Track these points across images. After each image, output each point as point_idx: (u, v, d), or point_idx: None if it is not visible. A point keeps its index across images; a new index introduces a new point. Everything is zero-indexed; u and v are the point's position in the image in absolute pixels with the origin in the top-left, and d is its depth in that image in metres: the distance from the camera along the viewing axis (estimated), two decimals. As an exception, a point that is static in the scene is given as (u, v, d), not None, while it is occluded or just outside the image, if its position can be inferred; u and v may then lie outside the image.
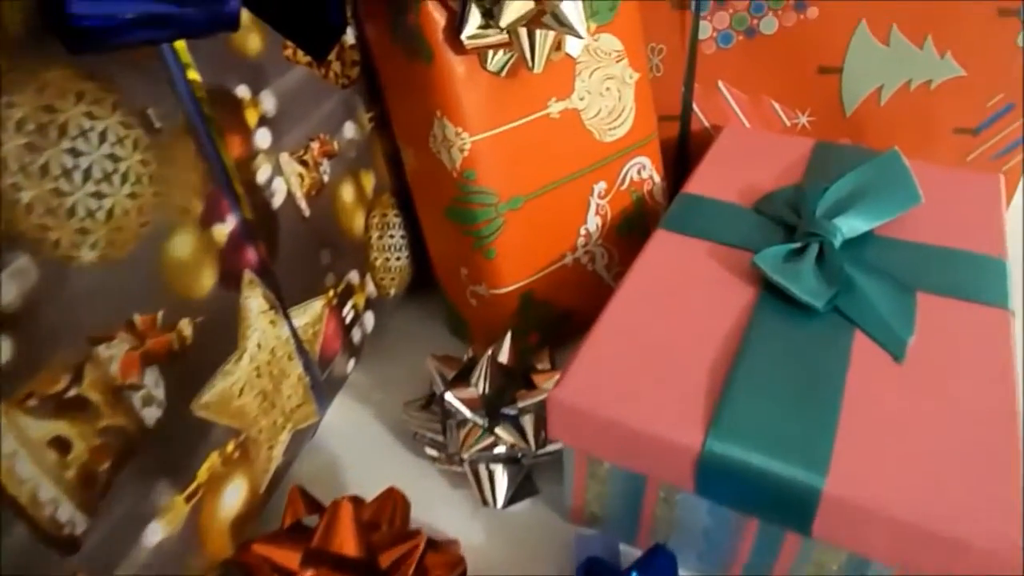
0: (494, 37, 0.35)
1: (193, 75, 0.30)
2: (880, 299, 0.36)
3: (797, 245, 0.38)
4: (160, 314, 0.29)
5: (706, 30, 0.51)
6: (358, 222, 0.43)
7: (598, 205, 0.45)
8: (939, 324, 0.35)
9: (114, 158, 0.27)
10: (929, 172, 0.47)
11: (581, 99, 0.42)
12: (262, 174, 0.34)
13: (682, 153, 0.56)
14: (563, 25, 0.36)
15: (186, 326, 0.30)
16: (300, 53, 0.37)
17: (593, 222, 0.45)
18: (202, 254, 0.31)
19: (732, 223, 0.42)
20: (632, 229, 0.48)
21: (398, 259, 0.47)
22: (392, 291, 0.47)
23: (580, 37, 0.37)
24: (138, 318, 0.28)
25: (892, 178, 0.42)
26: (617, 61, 0.44)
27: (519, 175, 0.41)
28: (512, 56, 0.38)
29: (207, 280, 0.31)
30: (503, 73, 0.38)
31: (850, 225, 0.40)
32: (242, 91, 0.33)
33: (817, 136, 0.54)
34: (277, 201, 0.36)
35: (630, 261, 0.49)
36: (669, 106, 0.54)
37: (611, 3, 0.42)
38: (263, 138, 0.34)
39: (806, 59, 0.51)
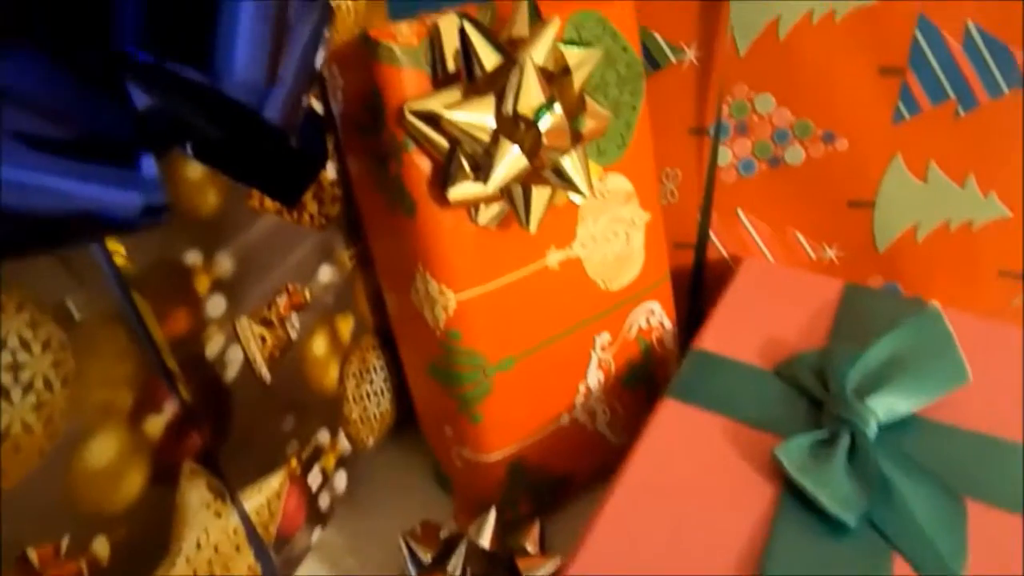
0: (483, 192, 0.31)
1: (121, 260, 0.26)
2: (923, 510, 0.31)
3: (825, 435, 0.33)
4: (64, 541, 0.24)
5: (726, 156, 0.47)
6: (331, 375, 0.38)
7: (601, 358, 0.41)
8: (995, 544, 0.30)
9: (15, 367, 0.23)
10: (973, 328, 0.41)
11: (584, 247, 0.38)
12: (213, 347, 0.30)
13: (697, 283, 0.51)
14: (564, 181, 0.32)
15: (102, 545, 0.26)
16: (269, 200, 0.33)
17: (594, 377, 0.41)
18: (129, 455, 0.27)
19: (751, 392, 0.37)
20: (639, 381, 0.43)
21: (378, 405, 0.43)
22: (370, 441, 0.43)
23: (582, 195, 0.33)
24: (33, 553, 0.23)
25: (934, 347, 0.37)
26: (626, 202, 0.39)
27: (511, 334, 0.37)
28: (504, 208, 0.34)
29: (133, 483, 0.27)
30: (494, 226, 0.34)
31: (886, 406, 0.35)
32: (192, 257, 0.29)
33: (847, 272, 0.49)
34: (231, 374, 0.31)
35: (636, 418, 0.44)
36: (683, 233, 0.50)
37: (620, 141, 0.38)
38: (216, 306, 0.30)
39: (835, 192, 0.47)
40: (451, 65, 0.31)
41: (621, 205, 0.39)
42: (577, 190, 0.32)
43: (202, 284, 0.30)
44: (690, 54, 0.44)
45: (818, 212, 0.47)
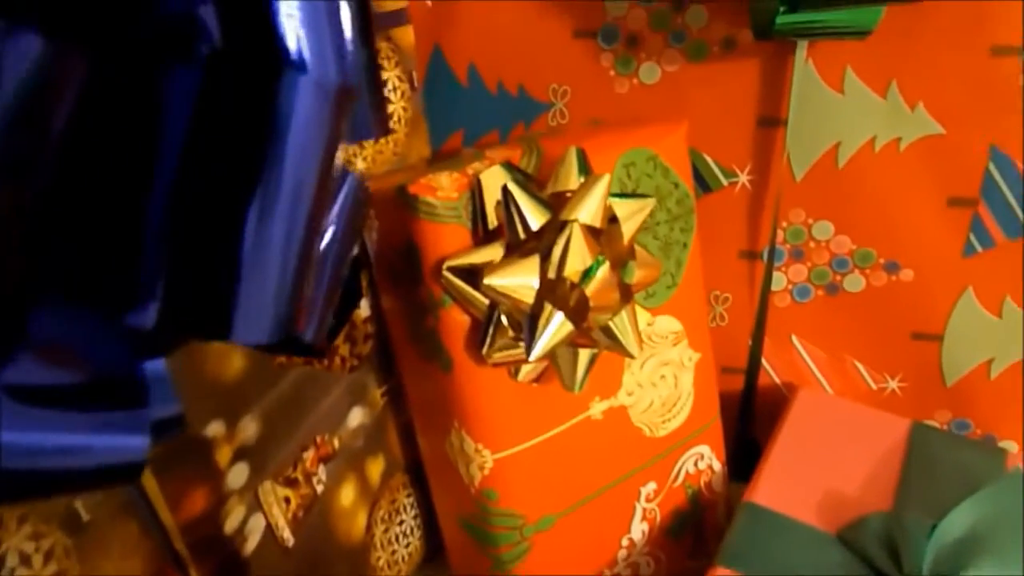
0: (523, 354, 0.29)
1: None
2: None
3: (901, 631, 0.30)
4: None
5: (780, 282, 0.44)
6: (359, 525, 0.36)
7: (646, 509, 0.38)
8: None
9: (14, 585, 0.21)
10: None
11: (630, 395, 0.36)
12: (233, 521, 0.28)
13: (747, 410, 0.48)
14: (613, 341, 0.30)
15: None
16: (299, 351, 0.32)
17: (638, 530, 0.38)
18: (136, 655, 0.25)
19: (810, 561, 0.34)
20: (685, 529, 0.40)
21: (407, 546, 0.40)
22: (397, 584, 0.40)
23: (632, 356, 0.30)
24: None
25: (1018, 517, 0.34)
26: (675, 344, 0.37)
27: (551, 492, 0.34)
28: (547, 364, 0.32)
29: None
30: (535, 383, 0.32)
31: (969, 593, 0.31)
32: (215, 428, 0.27)
33: (910, 405, 0.45)
34: (251, 545, 0.29)
35: (680, 568, 0.41)
36: (733, 358, 0.47)
37: (670, 281, 0.36)
38: (238, 476, 0.28)
39: (898, 322, 0.44)
40: (492, 220, 0.29)
41: (669, 347, 0.37)
42: (627, 352, 0.30)
43: (224, 455, 0.28)
44: (743, 178, 0.42)
45: (879, 342, 0.44)
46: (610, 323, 0.30)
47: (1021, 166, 0.39)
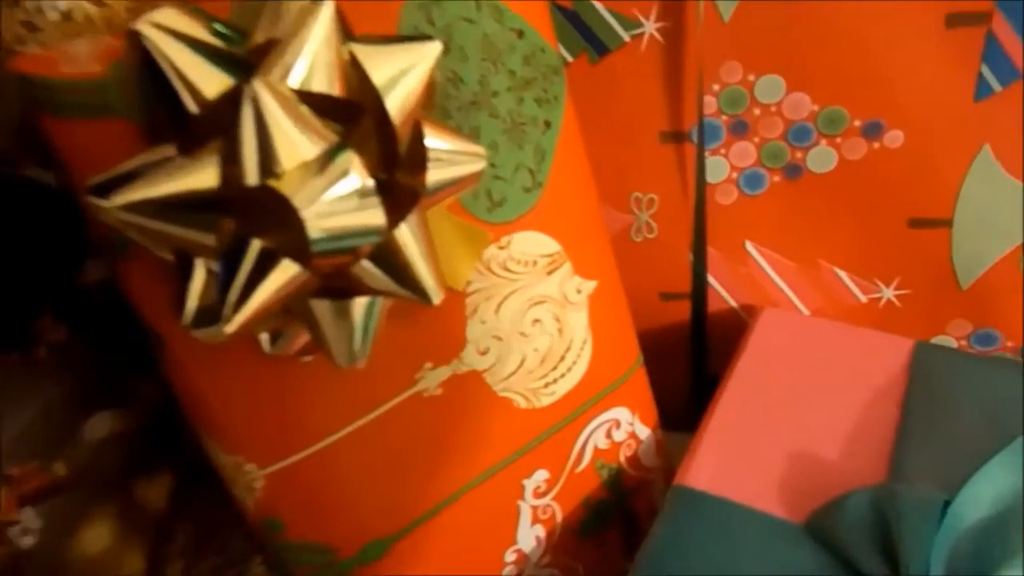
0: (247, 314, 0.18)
1: None
2: None
3: None
4: None
5: (721, 169, 0.32)
6: (132, 569, 0.26)
7: (536, 508, 0.27)
8: None
9: None
10: None
11: (483, 353, 0.24)
12: None
13: (697, 345, 0.37)
14: (391, 280, 0.19)
15: None
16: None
17: (529, 536, 0.27)
18: None
19: (764, 564, 0.23)
20: (605, 523, 0.29)
21: (236, 579, 0.30)
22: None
23: (429, 302, 0.19)
24: None
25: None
26: (549, 272, 0.25)
27: (371, 508, 0.23)
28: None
29: None
30: (304, 356, 0.21)
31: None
32: None
33: (914, 320, 0.33)
34: None
35: (615, 572, 0.30)
36: (673, 280, 0.35)
37: (528, 180, 0.24)
38: None
39: (889, 207, 0.31)
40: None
41: (541, 277, 0.25)
42: (421, 295, 0.19)
43: None
44: (650, 27, 0.30)
45: (864, 239, 0.32)
46: (387, 252, 0.18)
47: (1054, -51, 0.26)
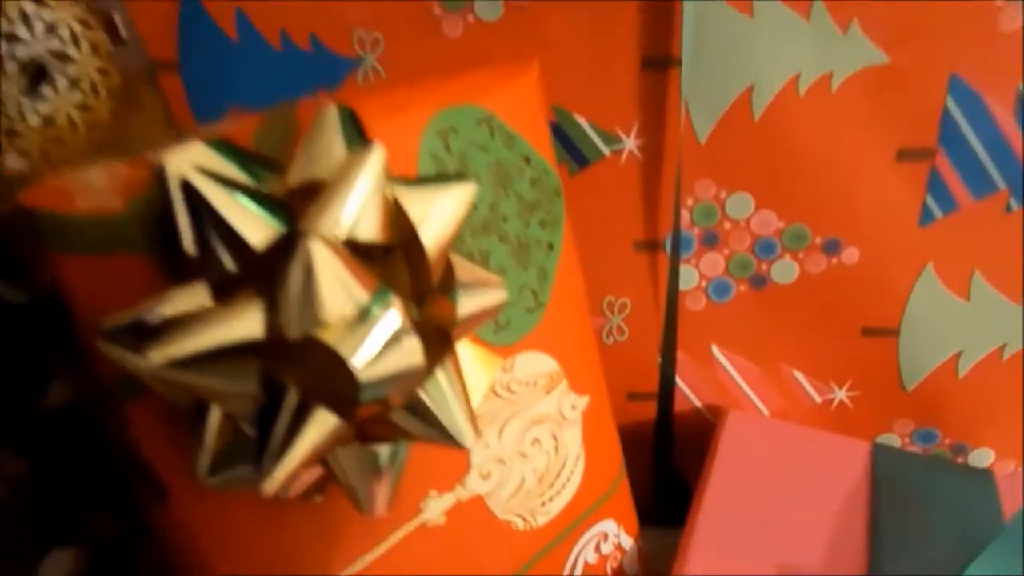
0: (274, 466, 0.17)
1: None
2: None
3: None
4: None
5: (691, 278, 0.33)
6: None
7: (530, 631, 0.26)
8: None
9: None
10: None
11: (486, 477, 0.24)
12: None
13: (662, 444, 0.37)
14: (426, 427, 0.18)
15: None
16: None
17: (524, 661, 0.26)
18: None
19: None
20: (592, 639, 0.29)
21: None
22: None
23: (462, 448, 0.18)
24: None
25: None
26: (549, 392, 0.25)
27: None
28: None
29: None
30: (317, 497, 0.20)
31: None
32: None
33: (865, 418, 0.36)
34: None
35: None
36: (640, 381, 0.36)
37: (532, 301, 0.24)
38: None
39: (844, 317, 0.34)
40: (189, 240, 0.16)
41: (541, 397, 0.25)
42: (452, 441, 0.18)
43: None
44: (630, 143, 0.31)
45: (821, 345, 0.34)
46: (421, 396, 0.18)
47: (990, 102, 0.29)
